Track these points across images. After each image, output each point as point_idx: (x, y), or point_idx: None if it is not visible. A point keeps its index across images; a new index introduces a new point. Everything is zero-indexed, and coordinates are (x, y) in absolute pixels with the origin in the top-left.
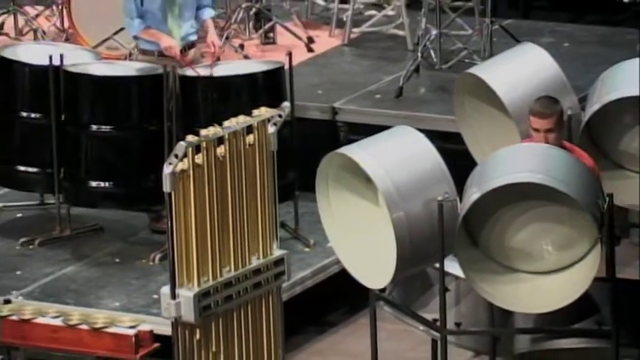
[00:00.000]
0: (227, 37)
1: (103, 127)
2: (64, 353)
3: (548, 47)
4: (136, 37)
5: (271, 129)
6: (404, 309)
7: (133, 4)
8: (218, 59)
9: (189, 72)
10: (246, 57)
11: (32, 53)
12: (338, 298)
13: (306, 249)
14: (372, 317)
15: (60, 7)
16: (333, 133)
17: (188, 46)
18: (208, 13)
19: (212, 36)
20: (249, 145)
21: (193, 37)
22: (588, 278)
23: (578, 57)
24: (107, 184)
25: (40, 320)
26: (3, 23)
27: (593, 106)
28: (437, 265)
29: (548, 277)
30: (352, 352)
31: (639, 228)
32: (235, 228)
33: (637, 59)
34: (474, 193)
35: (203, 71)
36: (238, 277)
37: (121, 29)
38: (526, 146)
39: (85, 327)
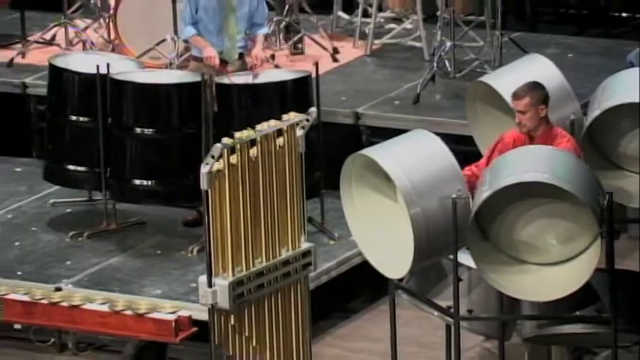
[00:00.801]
0: None
1: (146, 130)
2: (110, 336)
3: (553, 58)
4: (185, 42)
5: (299, 132)
6: (420, 297)
7: (189, 12)
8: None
9: (226, 80)
10: (276, 66)
11: (81, 62)
12: (360, 287)
13: (331, 242)
14: (391, 304)
15: (107, 21)
16: (356, 136)
17: (239, 56)
18: (261, 31)
19: (257, 50)
20: (280, 146)
21: (242, 50)
22: (589, 269)
23: (580, 67)
24: (149, 182)
25: (89, 306)
26: (55, 35)
27: (594, 112)
28: (451, 256)
29: (552, 268)
30: (373, 337)
31: (637, 223)
32: (266, 222)
33: (634, 69)
34: (484, 191)
35: (242, 80)
36: (269, 267)
37: (163, 40)
38: (532, 148)
39: (129, 312)
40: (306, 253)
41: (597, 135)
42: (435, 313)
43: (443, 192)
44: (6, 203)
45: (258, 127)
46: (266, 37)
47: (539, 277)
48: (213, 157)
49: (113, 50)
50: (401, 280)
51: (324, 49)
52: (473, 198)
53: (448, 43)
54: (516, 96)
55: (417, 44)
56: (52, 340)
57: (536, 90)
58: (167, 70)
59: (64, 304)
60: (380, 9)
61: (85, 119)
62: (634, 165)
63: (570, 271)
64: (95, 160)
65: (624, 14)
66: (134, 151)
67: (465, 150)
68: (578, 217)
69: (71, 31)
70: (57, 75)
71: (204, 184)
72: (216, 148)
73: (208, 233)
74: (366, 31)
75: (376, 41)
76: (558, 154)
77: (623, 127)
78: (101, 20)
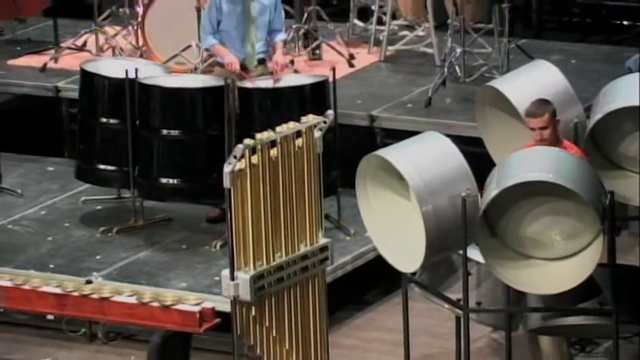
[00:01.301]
0: None
1: (172, 131)
2: (138, 327)
3: (557, 64)
4: (207, 50)
5: (317, 134)
6: (432, 290)
7: (209, 23)
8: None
9: (248, 84)
10: (295, 71)
11: (111, 67)
12: (374, 280)
13: (347, 238)
14: (404, 297)
15: (135, 28)
16: (371, 138)
17: (258, 62)
18: (280, 37)
19: (278, 56)
20: (298, 147)
21: (263, 55)
22: (592, 264)
23: (583, 72)
24: (175, 180)
25: (117, 298)
26: (86, 41)
27: (597, 115)
28: (460, 252)
29: (557, 263)
30: (387, 327)
31: (637, 220)
32: (286, 219)
33: (634, 74)
34: (493, 189)
35: (263, 84)
36: (288, 261)
37: (188, 47)
38: (538, 149)
39: (155, 304)
40: (324, 248)
41: (599, 137)
42: (446, 305)
43: (453, 190)
44: (40, 200)
45: (278, 128)
46: (285, 43)
47: (545, 271)
48: (235, 157)
49: (141, 56)
50: (413, 274)
51: (341, 55)
52: (481, 196)
53: (458, 50)
54: (534, 114)
55: (429, 50)
56: (83, 330)
57: (550, 105)
58: (192, 75)
59: (94, 296)
60: (394, 17)
61: (115, 121)
62: (634, 165)
63: (574, 265)
64: (124, 160)
65: (625, 22)
66: (161, 152)
67: (474, 151)
68: (581, 215)
69: (101, 38)
70: (88, 79)
71: (226, 183)
72: (239, 148)
73: (231, 229)
74: (381, 38)
75: (390, 48)
76: (562, 155)
77: (623, 129)
78: (130, 28)
